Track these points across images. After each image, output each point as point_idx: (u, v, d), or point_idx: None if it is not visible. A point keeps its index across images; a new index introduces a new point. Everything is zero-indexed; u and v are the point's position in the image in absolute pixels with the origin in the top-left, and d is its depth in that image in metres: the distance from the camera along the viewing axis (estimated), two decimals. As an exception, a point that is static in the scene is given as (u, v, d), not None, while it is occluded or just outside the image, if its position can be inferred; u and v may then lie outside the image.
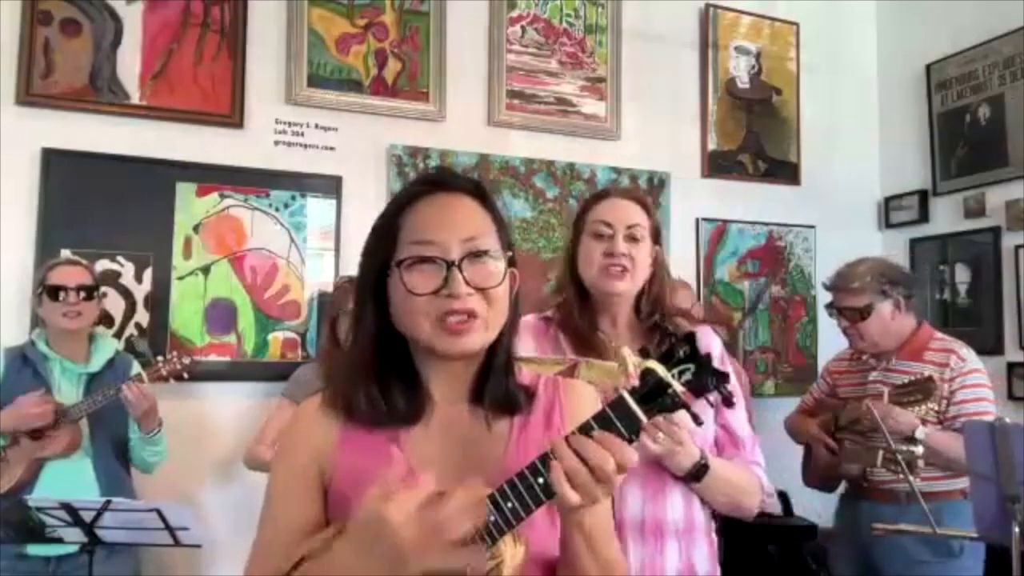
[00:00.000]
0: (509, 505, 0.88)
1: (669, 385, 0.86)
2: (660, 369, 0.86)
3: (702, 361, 0.87)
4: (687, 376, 0.87)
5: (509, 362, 1.09)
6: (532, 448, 1.00)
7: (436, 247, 1.01)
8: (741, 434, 1.67)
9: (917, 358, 2.55)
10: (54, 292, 2.46)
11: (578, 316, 1.69)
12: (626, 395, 0.86)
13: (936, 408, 2.45)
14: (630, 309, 1.71)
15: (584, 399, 1.10)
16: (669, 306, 1.71)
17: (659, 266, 1.72)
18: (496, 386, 1.07)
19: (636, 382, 0.87)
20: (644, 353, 0.91)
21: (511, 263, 1.06)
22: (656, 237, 1.73)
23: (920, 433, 2.37)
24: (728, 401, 1.02)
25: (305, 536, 1.01)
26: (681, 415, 1.33)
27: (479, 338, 1.02)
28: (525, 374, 1.13)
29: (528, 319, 1.78)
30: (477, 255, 1.01)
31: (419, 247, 1.01)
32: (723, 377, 0.89)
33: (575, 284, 1.71)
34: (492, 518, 0.87)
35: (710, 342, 1.67)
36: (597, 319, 1.70)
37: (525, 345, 1.69)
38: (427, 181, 1.09)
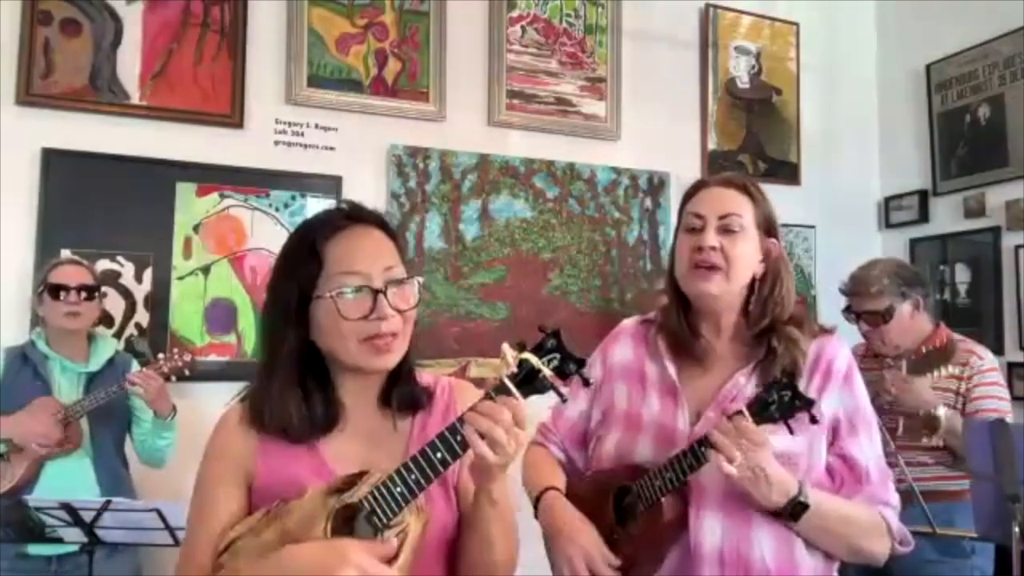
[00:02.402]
0: (412, 477, 1.04)
1: (540, 370, 1.03)
2: (533, 358, 1.04)
3: (567, 352, 1.04)
4: (555, 363, 1.04)
5: (411, 368, 1.24)
6: None
7: (362, 276, 1.15)
8: (864, 465, 1.41)
9: None
10: (55, 291, 2.46)
11: (677, 322, 1.52)
12: (505, 379, 1.04)
13: (957, 374, 2.45)
14: (737, 314, 1.50)
15: (472, 396, 1.22)
16: (782, 312, 1.47)
17: (774, 262, 1.49)
18: (403, 390, 1.22)
19: (515, 369, 1.04)
20: (521, 347, 1.05)
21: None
22: (768, 229, 1.50)
23: (940, 411, 2.38)
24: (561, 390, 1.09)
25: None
26: (763, 434, 1.29)
27: (398, 355, 1.18)
28: (424, 376, 1.28)
29: (628, 323, 1.66)
30: (399, 283, 1.17)
31: (347, 277, 1.15)
32: (581, 363, 1.05)
33: (674, 286, 1.55)
34: (398, 489, 1.04)
35: (836, 352, 1.48)
36: (699, 324, 1.51)
37: (625, 345, 1.60)
38: (343, 215, 1.21)
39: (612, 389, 1.58)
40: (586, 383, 1.07)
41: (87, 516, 2.15)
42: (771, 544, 1.36)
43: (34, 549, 2.36)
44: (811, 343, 1.47)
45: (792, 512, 1.32)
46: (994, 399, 2.47)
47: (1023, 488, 1.89)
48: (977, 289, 3.72)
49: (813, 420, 1.30)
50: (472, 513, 1.16)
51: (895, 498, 1.43)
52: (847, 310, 2.70)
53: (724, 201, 1.49)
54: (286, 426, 1.16)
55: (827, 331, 1.52)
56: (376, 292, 1.14)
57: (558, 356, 1.04)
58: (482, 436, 1.02)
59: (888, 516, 1.40)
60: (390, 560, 1.03)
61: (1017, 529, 1.88)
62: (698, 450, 1.32)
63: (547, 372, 1.03)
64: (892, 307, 2.56)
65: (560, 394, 1.06)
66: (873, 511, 1.39)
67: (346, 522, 1.06)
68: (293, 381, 1.17)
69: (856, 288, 2.65)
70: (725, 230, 1.46)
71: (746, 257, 1.46)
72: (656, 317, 1.60)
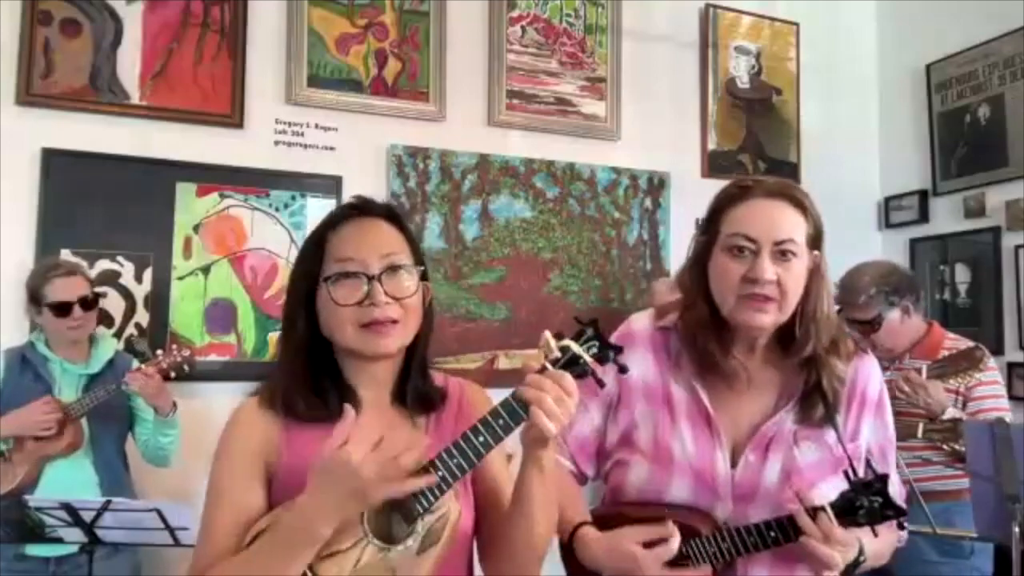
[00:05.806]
0: (455, 461, 1.06)
1: (581, 357, 1.09)
2: (574, 345, 1.10)
3: (604, 340, 1.11)
4: (593, 350, 1.10)
5: (424, 365, 1.26)
6: (447, 439, 1.14)
7: (358, 263, 1.17)
8: (892, 493, 1.38)
9: (933, 356, 2.53)
10: (59, 309, 2.44)
11: (710, 339, 1.37)
12: (547, 364, 1.09)
13: (967, 383, 2.43)
14: (772, 333, 1.37)
15: (481, 397, 1.30)
16: (824, 336, 1.35)
17: (817, 279, 1.34)
18: (415, 385, 1.24)
19: (558, 355, 1.09)
20: (559, 336, 1.10)
21: (423, 277, 1.24)
22: (815, 242, 1.34)
23: (950, 413, 2.36)
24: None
25: (251, 520, 1.11)
26: (850, 536, 1.30)
27: (397, 340, 1.18)
28: (436, 376, 1.29)
29: (640, 328, 1.49)
30: (394, 269, 1.18)
31: (343, 263, 1.17)
32: (619, 350, 1.11)
33: (706, 300, 1.38)
34: (440, 474, 1.05)
35: (869, 377, 1.42)
36: (732, 343, 1.38)
37: (642, 359, 1.44)
38: (349, 207, 1.25)
39: (632, 411, 1.45)
40: (601, 384, 1.12)
41: (87, 516, 2.15)
42: None
43: (33, 549, 2.35)
44: (847, 369, 1.39)
45: (854, 568, 1.33)
46: (995, 398, 2.47)
47: (1023, 488, 1.89)
48: (977, 289, 3.72)
49: (900, 527, 1.31)
50: (518, 486, 1.15)
51: (905, 507, 1.43)
52: (838, 313, 2.68)
53: (779, 223, 1.31)
54: (295, 409, 1.17)
55: (861, 349, 1.46)
56: (370, 278, 1.16)
57: (596, 344, 1.10)
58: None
59: (903, 534, 1.47)
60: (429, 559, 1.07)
61: (1017, 529, 1.88)
62: (788, 529, 1.29)
63: (587, 358, 1.09)
64: (880, 316, 2.55)
65: (598, 379, 1.11)
66: (894, 532, 1.44)
67: (381, 509, 1.06)
68: (302, 367, 1.19)
69: (845, 297, 2.61)
70: (782, 256, 1.30)
71: (800, 283, 1.32)
72: (675, 326, 1.44)
